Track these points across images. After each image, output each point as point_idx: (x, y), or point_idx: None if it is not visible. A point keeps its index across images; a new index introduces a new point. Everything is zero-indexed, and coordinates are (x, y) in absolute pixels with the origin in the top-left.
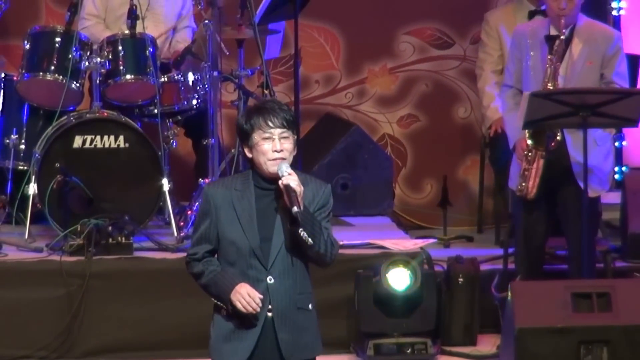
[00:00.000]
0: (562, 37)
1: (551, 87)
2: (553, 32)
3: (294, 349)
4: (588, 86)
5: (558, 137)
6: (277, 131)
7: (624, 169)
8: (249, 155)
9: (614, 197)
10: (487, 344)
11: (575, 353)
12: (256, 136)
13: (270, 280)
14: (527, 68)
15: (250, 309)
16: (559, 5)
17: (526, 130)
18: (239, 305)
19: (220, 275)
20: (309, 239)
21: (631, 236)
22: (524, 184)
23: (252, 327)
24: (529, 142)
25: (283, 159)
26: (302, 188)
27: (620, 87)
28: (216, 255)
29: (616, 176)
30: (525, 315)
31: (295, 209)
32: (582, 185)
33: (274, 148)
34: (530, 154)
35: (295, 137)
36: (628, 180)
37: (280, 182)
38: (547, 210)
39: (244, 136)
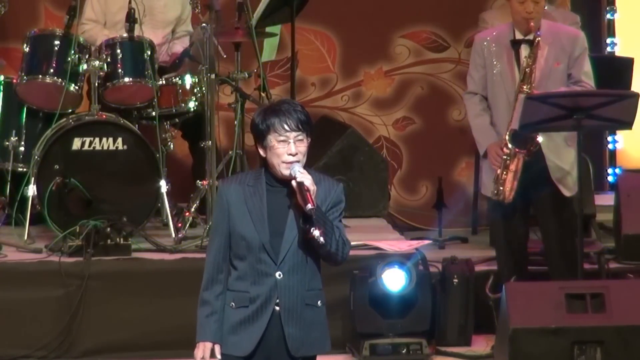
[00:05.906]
0: (538, 39)
1: (527, 90)
2: (518, 36)
3: (301, 344)
4: (558, 87)
5: (539, 139)
6: (292, 134)
7: (617, 170)
8: (263, 154)
9: (608, 199)
10: (482, 344)
11: (569, 353)
12: (272, 138)
13: (279, 275)
14: (493, 75)
15: None
16: (526, 9)
17: (506, 135)
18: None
19: (206, 321)
20: (321, 238)
21: (625, 237)
22: (501, 189)
23: (259, 321)
24: (510, 146)
25: (297, 161)
26: (315, 187)
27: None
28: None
29: (610, 178)
30: (519, 316)
31: (309, 206)
32: (558, 185)
33: (289, 151)
34: (507, 157)
35: (309, 138)
36: (622, 182)
37: (293, 181)
38: (524, 211)
39: (259, 136)
